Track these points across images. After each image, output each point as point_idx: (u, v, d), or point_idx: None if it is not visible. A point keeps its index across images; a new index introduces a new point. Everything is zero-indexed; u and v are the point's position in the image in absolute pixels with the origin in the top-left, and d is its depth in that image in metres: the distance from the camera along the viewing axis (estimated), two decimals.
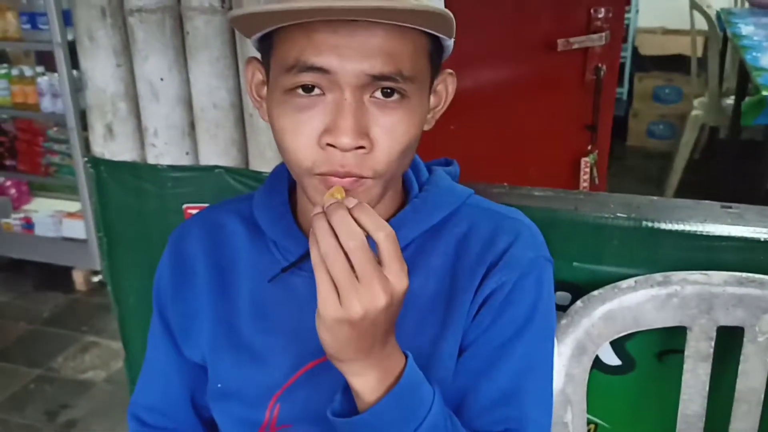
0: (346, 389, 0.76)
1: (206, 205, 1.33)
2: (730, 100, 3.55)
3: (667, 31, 4.59)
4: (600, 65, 1.94)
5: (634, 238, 1.15)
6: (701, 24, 3.75)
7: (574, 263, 1.17)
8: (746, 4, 4.08)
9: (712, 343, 1.08)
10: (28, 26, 3.05)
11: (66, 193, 3.41)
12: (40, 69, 3.19)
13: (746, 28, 3.35)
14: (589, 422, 1.19)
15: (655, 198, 1.23)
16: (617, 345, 1.17)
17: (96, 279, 3.22)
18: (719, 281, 1.07)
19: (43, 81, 3.10)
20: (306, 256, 0.83)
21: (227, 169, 1.35)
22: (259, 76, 0.84)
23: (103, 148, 1.41)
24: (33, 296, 3.19)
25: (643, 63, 4.59)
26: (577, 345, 1.09)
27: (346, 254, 0.67)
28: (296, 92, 0.75)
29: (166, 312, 0.96)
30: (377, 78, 0.73)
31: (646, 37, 4.62)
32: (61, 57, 2.91)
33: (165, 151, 1.37)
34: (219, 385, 0.91)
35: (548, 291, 0.88)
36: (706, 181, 3.71)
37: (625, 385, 1.21)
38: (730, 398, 1.11)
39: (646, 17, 4.57)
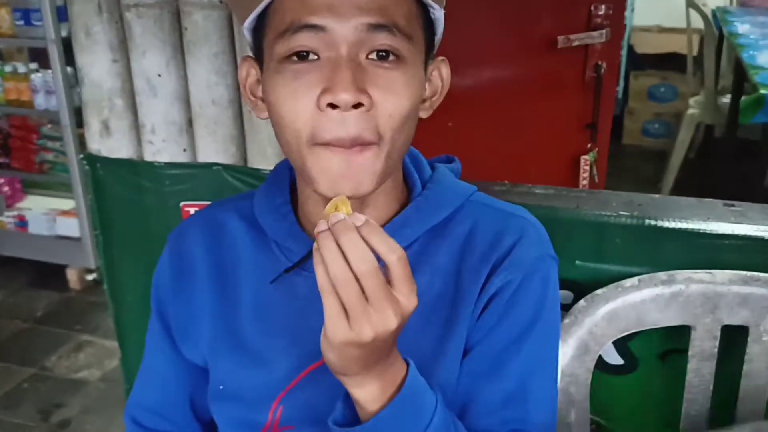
0: (347, 397, 0.74)
1: (204, 202, 1.32)
2: (726, 99, 3.55)
3: (662, 30, 4.59)
4: (600, 63, 1.94)
5: (636, 236, 1.15)
6: (697, 22, 3.74)
7: (577, 261, 1.17)
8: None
9: (717, 343, 1.08)
10: (21, 22, 3.03)
11: (60, 190, 3.38)
12: (33, 66, 3.16)
13: (742, 27, 3.36)
14: (591, 422, 1.18)
15: (657, 196, 1.23)
16: (620, 344, 1.17)
17: (90, 277, 3.20)
18: (724, 280, 1.06)
19: (37, 78, 3.07)
20: (308, 256, 0.81)
21: (225, 167, 1.34)
22: (253, 74, 0.83)
23: (99, 145, 1.40)
24: (26, 294, 3.17)
25: (638, 61, 4.58)
26: (580, 344, 1.08)
27: (356, 277, 0.65)
28: (291, 59, 0.75)
29: (165, 312, 0.95)
30: (373, 27, 0.73)
31: (641, 35, 4.61)
32: (55, 53, 2.89)
33: (162, 148, 1.36)
34: (221, 387, 0.90)
35: (554, 290, 0.87)
36: (702, 180, 3.70)
37: (627, 384, 1.20)
38: (734, 398, 1.10)
39: (642, 15, 4.55)
